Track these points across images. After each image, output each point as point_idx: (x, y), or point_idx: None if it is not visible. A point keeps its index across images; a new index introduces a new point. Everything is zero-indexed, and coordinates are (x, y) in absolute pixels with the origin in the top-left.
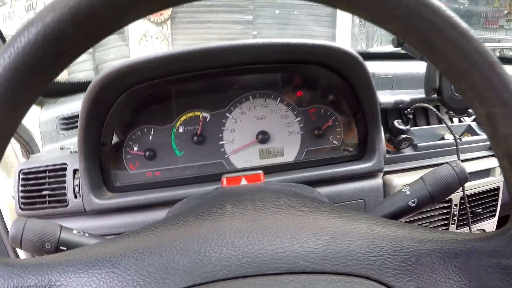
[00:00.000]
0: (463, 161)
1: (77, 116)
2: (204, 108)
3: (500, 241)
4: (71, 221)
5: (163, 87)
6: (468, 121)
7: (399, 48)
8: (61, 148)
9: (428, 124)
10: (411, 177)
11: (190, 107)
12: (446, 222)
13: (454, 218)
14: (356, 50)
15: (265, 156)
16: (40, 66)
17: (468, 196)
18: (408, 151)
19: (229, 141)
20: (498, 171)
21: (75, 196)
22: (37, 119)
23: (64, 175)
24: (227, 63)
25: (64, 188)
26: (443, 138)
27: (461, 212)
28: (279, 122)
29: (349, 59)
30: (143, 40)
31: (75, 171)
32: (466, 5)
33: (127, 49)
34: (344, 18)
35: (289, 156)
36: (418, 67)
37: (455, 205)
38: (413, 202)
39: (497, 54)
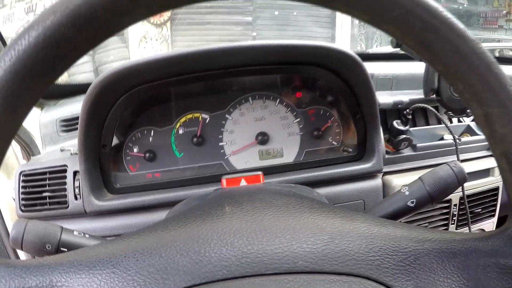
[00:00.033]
0: (462, 161)
1: (77, 118)
2: (204, 110)
3: (498, 241)
4: (71, 223)
5: (163, 89)
6: (467, 121)
7: (398, 49)
8: (61, 150)
9: (427, 124)
10: (410, 177)
11: (190, 109)
12: (446, 222)
13: (454, 218)
14: (355, 51)
15: (264, 157)
16: (41, 69)
17: (468, 196)
18: (407, 152)
19: (228, 142)
20: (497, 171)
21: (76, 198)
22: (37, 121)
23: (65, 177)
24: (226, 64)
25: (65, 189)
26: (442, 139)
27: (460, 212)
28: (279, 123)
29: (348, 60)
30: (143, 42)
31: (75, 173)
32: (465, 5)
33: (126, 51)
34: (343, 19)
35: (289, 157)
36: (417, 68)
37: (455, 205)
38: (412, 202)
39: (497, 54)
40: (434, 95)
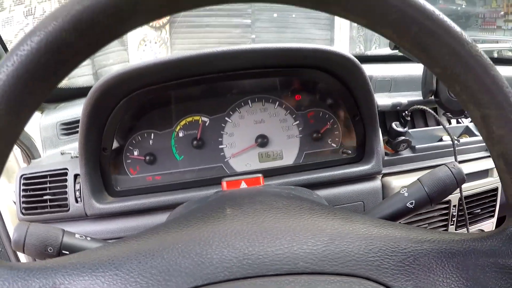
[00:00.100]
0: (461, 162)
1: (77, 122)
2: (204, 113)
3: (496, 241)
4: (72, 226)
5: (163, 92)
6: (466, 122)
7: (397, 51)
8: (62, 153)
9: (426, 126)
10: (410, 178)
11: (190, 112)
12: (445, 223)
13: (453, 219)
14: (354, 53)
15: (264, 159)
16: (43, 74)
17: (467, 197)
18: (406, 153)
19: (228, 145)
20: (496, 171)
21: (76, 201)
22: (38, 124)
23: (65, 180)
24: (226, 68)
25: (65, 193)
26: (441, 140)
27: (459, 213)
28: (278, 126)
29: (347, 63)
30: (142, 45)
31: (76, 176)
32: (463, 6)
33: (126, 54)
34: (342, 22)
35: (288, 159)
36: (416, 70)
37: (454, 206)
38: (411, 203)
39: (495, 55)
40: (432, 97)
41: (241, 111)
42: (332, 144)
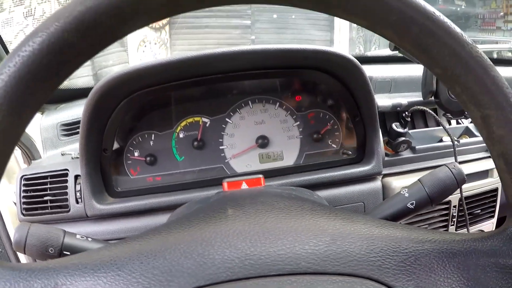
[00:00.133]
0: (461, 162)
1: (77, 122)
2: (204, 114)
3: (497, 241)
4: (72, 226)
5: (163, 93)
6: (466, 123)
7: (397, 51)
8: (62, 154)
9: (426, 126)
10: (410, 179)
11: (190, 113)
12: (446, 223)
13: (453, 219)
14: (354, 54)
15: (265, 160)
16: (45, 75)
17: (467, 198)
18: (406, 154)
19: (229, 146)
20: (496, 172)
21: (77, 202)
22: (38, 125)
23: (66, 181)
24: (226, 69)
25: (66, 193)
26: (441, 140)
27: (460, 214)
28: (279, 127)
29: (347, 64)
30: (142, 46)
31: (76, 177)
32: (463, 7)
33: (125, 55)
34: (341, 23)
35: (289, 160)
36: (416, 70)
37: (454, 206)
38: (412, 204)
39: (495, 56)
40: (432, 98)
41: (241, 112)
42: (333, 145)
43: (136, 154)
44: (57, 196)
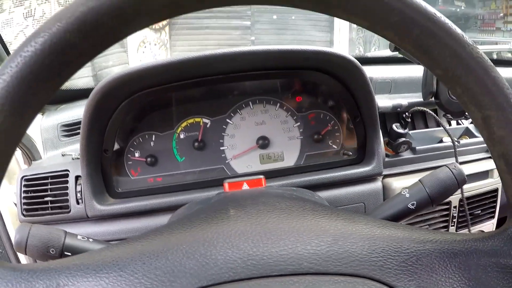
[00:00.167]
0: (461, 163)
1: (77, 123)
2: (205, 114)
3: (498, 241)
4: (73, 227)
5: (164, 94)
6: (466, 123)
7: (397, 52)
8: (63, 155)
9: (426, 127)
10: (410, 180)
11: (191, 114)
12: (446, 224)
13: (454, 220)
14: (354, 55)
15: (265, 161)
16: (47, 75)
17: (467, 198)
18: (406, 155)
19: (229, 146)
20: (496, 172)
21: (77, 202)
22: (39, 126)
23: (66, 182)
24: (227, 69)
25: (66, 194)
26: (441, 141)
27: (460, 214)
28: (279, 127)
29: (347, 64)
30: (142, 47)
31: (77, 178)
32: (463, 8)
33: (125, 56)
34: (341, 23)
35: (289, 160)
36: (416, 71)
37: (454, 207)
38: (413, 204)
39: (495, 57)
40: (432, 98)
41: (242, 113)
42: (333, 146)
43: (136, 154)
44: (57, 197)
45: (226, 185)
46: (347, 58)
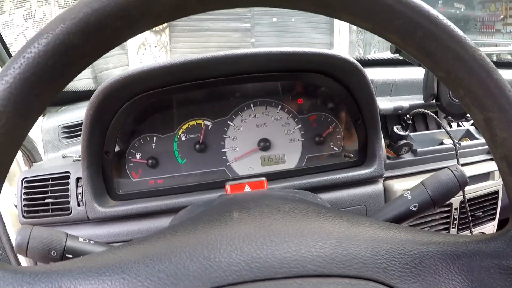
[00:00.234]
0: (462, 165)
1: (78, 125)
2: (206, 116)
3: (500, 243)
4: (74, 229)
5: (165, 96)
6: (467, 125)
7: (397, 55)
8: (64, 157)
9: (427, 129)
10: (411, 182)
11: (192, 116)
12: (447, 226)
13: (455, 222)
14: (355, 57)
15: (267, 163)
16: (50, 76)
17: (468, 200)
18: (408, 157)
19: (231, 148)
20: (497, 174)
21: (78, 204)
22: (39, 127)
23: (67, 183)
24: (228, 72)
25: (67, 196)
26: (442, 143)
27: (461, 216)
28: (280, 130)
29: (349, 66)
30: (142, 49)
31: (78, 179)
32: (462, 10)
33: (126, 58)
34: (341, 26)
35: (291, 163)
36: (416, 73)
37: (455, 209)
38: (414, 206)
39: (495, 58)
40: (433, 100)
41: (243, 115)
42: (334, 148)
43: (138, 156)
44: (58, 199)
45: (228, 187)
46: (349, 60)
